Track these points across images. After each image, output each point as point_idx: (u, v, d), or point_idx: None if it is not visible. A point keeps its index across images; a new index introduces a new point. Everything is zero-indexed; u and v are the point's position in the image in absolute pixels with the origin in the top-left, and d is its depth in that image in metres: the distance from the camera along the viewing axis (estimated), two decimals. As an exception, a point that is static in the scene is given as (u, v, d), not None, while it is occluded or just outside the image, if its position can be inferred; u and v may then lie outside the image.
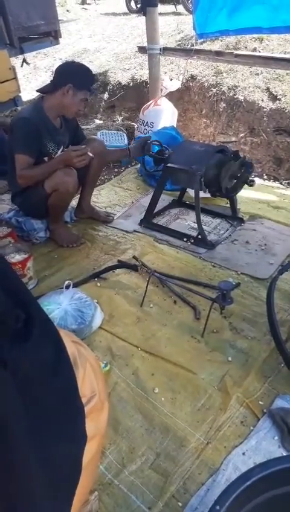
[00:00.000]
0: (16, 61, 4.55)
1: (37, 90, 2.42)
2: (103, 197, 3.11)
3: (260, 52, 3.84)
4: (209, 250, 2.44)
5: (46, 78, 5.72)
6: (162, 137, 3.08)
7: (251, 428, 1.46)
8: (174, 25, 5.37)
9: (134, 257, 2.37)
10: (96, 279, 2.24)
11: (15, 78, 3.77)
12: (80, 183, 2.66)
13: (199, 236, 2.48)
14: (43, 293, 2.03)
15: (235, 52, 3.43)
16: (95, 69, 5.18)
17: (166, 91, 3.65)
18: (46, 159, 2.35)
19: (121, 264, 2.31)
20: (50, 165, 2.29)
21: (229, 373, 1.66)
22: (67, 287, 1.91)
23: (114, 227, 2.72)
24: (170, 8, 7.33)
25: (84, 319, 1.84)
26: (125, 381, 1.65)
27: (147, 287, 2.04)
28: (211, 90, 3.84)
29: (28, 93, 5.33)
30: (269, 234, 2.55)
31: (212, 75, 3.91)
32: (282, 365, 1.67)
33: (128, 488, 1.30)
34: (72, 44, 6.35)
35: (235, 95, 3.67)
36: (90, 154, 2.28)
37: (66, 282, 1.91)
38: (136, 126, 4.04)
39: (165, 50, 3.67)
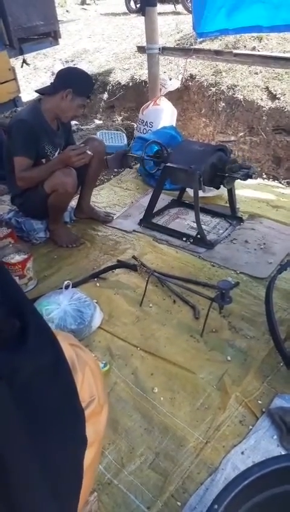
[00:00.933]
0: (16, 62, 4.56)
1: (36, 91, 2.42)
2: (102, 197, 3.11)
3: (259, 51, 3.84)
4: (209, 249, 2.45)
5: (46, 79, 5.73)
6: (161, 136, 3.09)
7: (250, 427, 1.46)
8: (174, 25, 5.38)
9: (133, 257, 2.37)
10: (95, 279, 2.24)
11: (15, 78, 3.78)
12: (79, 183, 2.66)
13: (198, 236, 2.48)
14: (42, 293, 2.03)
15: (235, 51, 3.44)
16: (94, 69, 5.19)
17: (165, 91, 3.65)
18: (43, 161, 2.36)
19: (121, 264, 2.31)
20: (49, 165, 2.30)
21: (228, 372, 1.66)
22: (67, 287, 1.91)
23: (113, 227, 2.72)
24: (169, 7, 7.33)
25: (84, 319, 1.85)
26: (124, 381, 1.65)
27: (146, 287, 2.05)
28: (210, 90, 3.84)
29: (28, 93, 5.33)
30: (268, 233, 2.55)
31: (212, 75, 3.91)
32: (281, 364, 1.67)
33: (128, 488, 1.30)
34: (71, 45, 6.36)
35: (234, 94, 3.68)
36: (90, 153, 2.28)
37: (66, 283, 1.92)
38: (135, 126, 4.04)
39: (165, 50, 3.67)
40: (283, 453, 1.38)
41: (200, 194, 2.44)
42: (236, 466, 1.34)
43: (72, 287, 1.95)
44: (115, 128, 4.08)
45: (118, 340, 1.85)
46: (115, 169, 3.49)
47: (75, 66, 2.43)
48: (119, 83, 4.72)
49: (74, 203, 2.81)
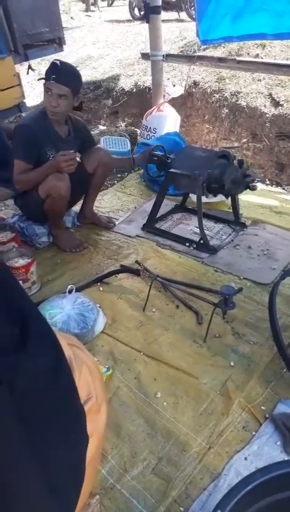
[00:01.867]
0: (21, 68, 4.61)
1: None
2: (105, 202, 3.12)
3: (262, 58, 3.87)
4: (212, 255, 2.45)
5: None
6: (165, 143, 3.09)
7: (253, 433, 1.46)
8: (177, 32, 5.42)
9: (137, 262, 2.38)
10: (99, 283, 2.24)
11: (19, 84, 3.83)
12: (83, 191, 2.68)
13: (202, 241, 2.48)
14: (46, 297, 2.04)
15: (238, 58, 3.46)
16: (98, 75, 5.24)
17: (169, 97, 3.67)
18: None
19: (124, 269, 2.32)
20: (42, 169, 2.29)
21: (232, 378, 1.66)
22: (70, 292, 1.92)
23: (117, 232, 2.73)
24: (173, 15, 7.40)
25: (87, 323, 1.85)
26: (127, 385, 1.65)
27: (149, 292, 2.05)
28: (214, 96, 3.86)
29: (33, 99, 5.39)
30: (272, 239, 2.56)
31: (215, 81, 3.94)
32: (284, 370, 1.67)
33: (130, 493, 1.30)
34: (76, 51, 6.41)
35: (237, 100, 3.70)
36: (78, 159, 2.27)
37: (69, 287, 1.92)
38: (139, 132, 4.06)
39: (168, 56, 3.69)
40: (286, 459, 1.38)
41: (204, 199, 2.45)
42: (239, 472, 1.34)
43: (75, 291, 1.96)
44: (118, 134, 4.10)
45: (121, 344, 1.85)
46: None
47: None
48: (123, 89, 4.75)
49: (77, 208, 2.82)
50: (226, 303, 1.78)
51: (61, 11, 4.72)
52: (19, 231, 2.56)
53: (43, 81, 2.29)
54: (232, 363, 1.73)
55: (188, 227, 2.74)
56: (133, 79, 4.77)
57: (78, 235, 2.69)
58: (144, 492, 1.30)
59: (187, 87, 4.06)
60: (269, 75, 3.62)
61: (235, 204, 2.65)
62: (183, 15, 7.23)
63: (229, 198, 2.65)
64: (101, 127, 4.66)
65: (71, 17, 9.41)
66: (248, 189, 2.44)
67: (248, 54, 4.03)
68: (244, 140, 3.69)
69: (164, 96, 3.70)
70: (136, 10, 7.86)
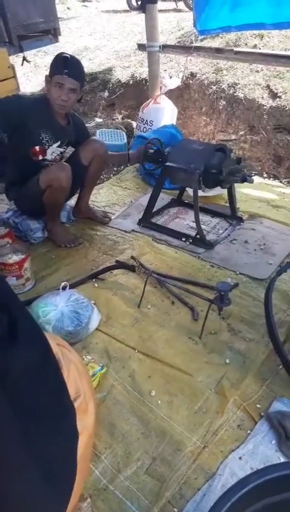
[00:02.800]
0: (16, 59, 4.53)
1: None
2: (101, 196, 3.09)
3: (260, 49, 3.81)
4: (208, 250, 2.42)
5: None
6: (161, 135, 3.05)
7: (248, 432, 1.44)
8: (175, 22, 5.34)
9: (132, 257, 2.35)
10: (93, 279, 2.22)
11: (14, 76, 3.75)
12: (79, 184, 2.64)
13: (198, 236, 2.46)
14: (40, 293, 2.01)
15: (235, 49, 3.40)
16: (94, 67, 5.17)
17: (166, 89, 3.62)
18: (37, 148, 2.32)
19: (119, 265, 2.29)
20: None
21: (227, 375, 1.64)
22: (64, 288, 1.89)
23: (112, 227, 2.70)
24: (170, 4, 7.30)
25: (81, 320, 1.82)
26: (121, 383, 1.63)
27: (144, 288, 2.02)
28: (211, 88, 3.81)
29: (28, 91, 5.31)
30: (268, 234, 2.53)
31: (212, 73, 3.88)
32: (280, 367, 1.65)
33: (124, 494, 1.28)
34: (72, 42, 6.32)
35: (235, 92, 3.65)
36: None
37: (63, 284, 1.89)
38: (135, 124, 4.01)
39: (165, 47, 3.64)
40: (281, 458, 1.36)
41: (200, 193, 2.42)
42: (234, 472, 1.32)
43: (69, 288, 1.93)
44: (114, 126, 4.06)
45: (116, 342, 1.83)
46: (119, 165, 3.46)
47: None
48: (120, 81, 4.69)
49: (72, 202, 2.79)
50: (222, 299, 1.76)
51: (57, 2, 4.65)
52: (13, 226, 2.53)
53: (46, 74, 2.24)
54: (227, 360, 1.71)
55: (184, 221, 2.71)
56: (130, 70, 4.71)
57: (73, 230, 2.66)
58: (138, 493, 1.28)
59: (184, 78, 4.00)
60: (267, 66, 3.57)
61: (232, 198, 2.62)
62: (181, 5, 7.13)
63: (226, 192, 2.62)
64: (98, 120, 4.61)
65: (68, 8, 9.27)
66: (245, 183, 2.41)
67: (246, 44, 3.97)
68: (242, 132, 3.64)
69: (161, 88, 3.65)
70: (133, 0, 7.74)
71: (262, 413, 1.49)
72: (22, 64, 4.45)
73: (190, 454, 1.38)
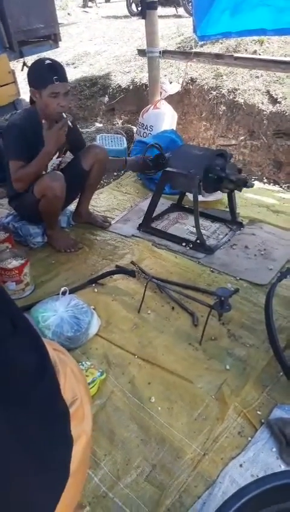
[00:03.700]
0: (16, 64, 4.55)
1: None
2: (101, 201, 3.09)
3: (260, 54, 3.82)
4: (208, 255, 2.42)
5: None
6: (161, 140, 3.06)
7: (249, 439, 1.43)
8: (175, 28, 5.36)
9: (132, 262, 2.34)
10: (93, 284, 2.21)
11: (14, 81, 3.77)
12: (80, 189, 2.64)
13: (198, 241, 2.45)
14: (40, 298, 2.01)
15: (235, 55, 3.42)
16: (95, 72, 5.18)
17: (166, 94, 3.63)
18: None
19: (119, 270, 2.28)
20: (39, 157, 2.23)
21: (227, 382, 1.63)
22: (64, 294, 1.89)
23: (112, 232, 2.69)
24: (170, 10, 7.34)
25: (81, 326, 1.82)
26: (121, 390, 1.62)
27: (144, 293, 2.02)
28: (211, 93, 3.82)
29: (28, 96, 5.32)
30: (269, 239, 2.53)
31: (212, 78, 3.89)
32: (281, 374, 1.64)
33: (123, 502, 1.27)
34: (72, 48, 6.35)
35: (235, 97, 3.65)
36: (69, 123, 2.23)
37: (62, 289, 1.89)
38: (135, 129, 4.02)
39: (165, 53, 3.65)
40: (282, 466, 1.35)
41: (200, 198, 2.42)
42: (234, 479, 1.31)
43: (69, 293, 1.93)
44: (114, 131, 4.06)
45: (115, 347, 1.82)
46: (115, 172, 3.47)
47: (47, 60, 2.23)
48: (120, 86, 4.70)
49: (72, 207, 2.79)
50: (222, 305, 1.76)
51: (58, 7, 4.66)
52: (13, 231, 2.53)
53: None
54: (227, 367, 1.70)
55: (184, 226, 2.71)
56: (130, 76, 4.72)
57: (73, 235, 2.66)
58: (137, 501, 1.27)
59: (184, 84, 4.01)
60: (267, 71, 3.57)
61: (232, 203, 2.61)
62: (181, 10, 7.17)
63: (226, 197, 2.62)
64: (98, 125, 4.61)
65: (68, 13, 9.33)
66: (244, 187, 2.40)
67: (246, 50, 3.98)
68: (242, 138, 3.65)
69: (161, 93, 3.66)
70: (133, 6, 7.78)
71: (263, 420, 1.48)
72: (22, 70, 4.46)
73: (190, 461, 1.37)
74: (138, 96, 4.48)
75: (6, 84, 3.68)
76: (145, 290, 2.02)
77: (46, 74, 2.14)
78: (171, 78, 4.22)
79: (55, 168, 2.46)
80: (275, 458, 1.37)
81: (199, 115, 3.98)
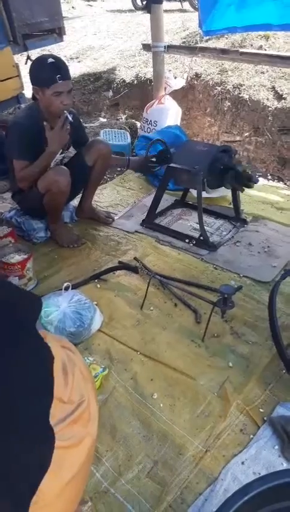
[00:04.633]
0: (20, 58, 4.53)
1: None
2: (105, 197, 3.08)
3: (265, 50, 3.79)
4: (212, 251, 2.41)
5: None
6: (165, 136, 3.05)
7: (251, 436, 1.43)
8: (180, 22, 5.32)
9: (135, 258, 2.34)
10: (96, 280, 2.21)
11: (18, 75, 3.76)
12: (83, 184, 2.63)
13: (201, 238, 2.44)
14: (43, 294, 2.01)
15: (241, 50, 3.39)
16: (99, 66, 5.15)
17: (170, 89, 3.61)
18: None
19: (122, 266, 2.28)
20: (43, 156, 2.22)
21: (230, 379, 1.63)
22: (66, 289, 1.88)
23: (115, 228, 2.69)
24: (175, 5, 7.29)
25: (83, 321, 1.81)
26: (123, 386, 1.62)
27: (147, 289, 2.01)
28: (216, 89, 3.79)
29: (32, 90, 5.30)
30: (273, 236, 2.52)
31: (217, 73, 3.87)
32: (283, 371, 1.64)
33: (125, 497, 1.27)
34: (76, 42, 6.31)
35: (240, 93, 3.63)
36: (70, 119, 2.18)
37: (65, 284, 1.88)
38: (139, 125, 4.00)
39: (170, 48, 3.62)
40: (284, 463, 1.35)
41: (204, 194, 2.41)
42: (236, 477, 1.31)
43: (72, 288, 1.92)
44: (118, 126, 4.04)
45: (118, 343, 1.82)
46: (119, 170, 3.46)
47: (48, 56, 2.16)
48: (124, 81, 4.67)
49: (76, 202, 2.78)
50: (225, 302, 1.75)
51: (62, 1, 4.62)
52: (16, 226, 2.53)
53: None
54: (230, 364, 1.70)
55: (188, 223, 2.70)
56: (134, 70, 4.69)
57: (76, 230, 2.65)
58: (139, 496, 1.27)
59: (189, 79, 3.98)
60: (273, 67, 3.55)
61: (236, 200, 2.60)
62: (186, 5, 7.11)
63: (230, 194, 2.61)
64: (102, 120, 4.60)
65: (72, 7, 9.27)
66: (250, 182, 2.38)
67: (251, 45, 3.95)
68: (246, 134, 3.63)
69: (165, 88, 3.64)
70: (138, 0, 7.73)
71: (265, 418, 1.48)
72: (26, 63, 4.44)
73: (192, 458, 1.37)
74: (142, 91, 4.45)
75: (10, 78, 3.66)
76: (148, 286, 2.01)
77: (49, 73, 2.10)
78: (176, 73, 4.19)
79: (58, 164, 2.44)
80: (277, 456, 1.37)
81: (203, 110, 3.96)
